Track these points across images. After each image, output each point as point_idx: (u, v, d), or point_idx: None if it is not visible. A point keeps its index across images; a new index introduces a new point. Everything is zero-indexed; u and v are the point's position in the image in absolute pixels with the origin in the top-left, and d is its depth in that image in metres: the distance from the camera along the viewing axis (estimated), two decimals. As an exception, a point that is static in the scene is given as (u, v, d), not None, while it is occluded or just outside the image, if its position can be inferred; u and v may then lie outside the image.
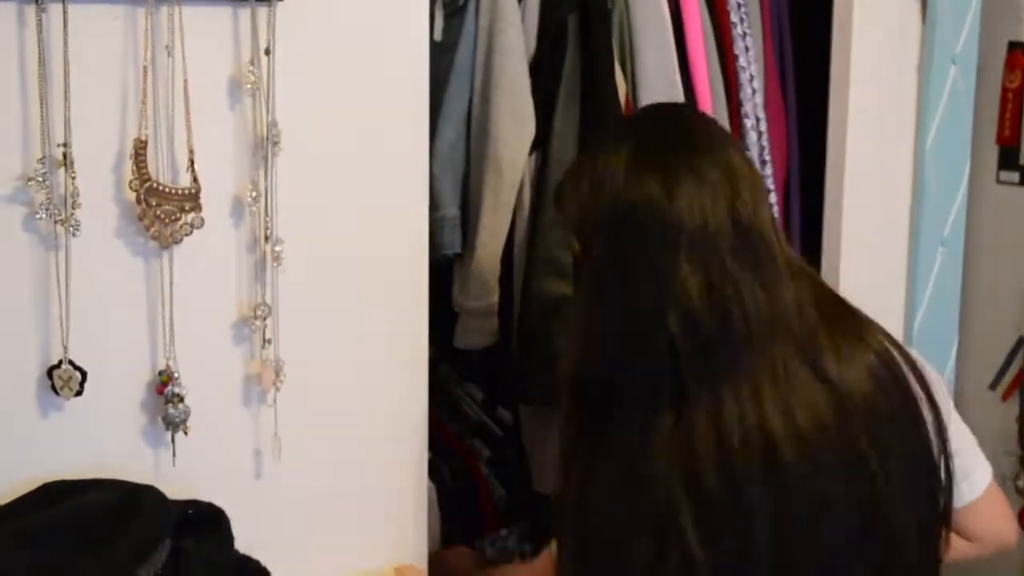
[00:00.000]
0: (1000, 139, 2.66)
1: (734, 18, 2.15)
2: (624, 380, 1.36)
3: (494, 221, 1.95)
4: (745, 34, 2.17)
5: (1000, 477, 2.64)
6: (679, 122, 1.50)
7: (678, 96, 2.03)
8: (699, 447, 1.33)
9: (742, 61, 2.15)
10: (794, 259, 1.45)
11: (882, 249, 2.40)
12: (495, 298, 1.99)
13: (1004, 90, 2.64)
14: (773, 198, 2.20)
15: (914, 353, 1.50)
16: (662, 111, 1.63)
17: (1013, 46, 2.63)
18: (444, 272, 1.99)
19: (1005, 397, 2.69)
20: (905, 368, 1.45)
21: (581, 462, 1.40)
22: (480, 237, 1.95)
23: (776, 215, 2.18)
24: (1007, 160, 2.66)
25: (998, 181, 2.68)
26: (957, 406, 2.67)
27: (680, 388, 1.34)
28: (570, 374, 1.42)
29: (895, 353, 1.45)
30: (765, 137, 2.19)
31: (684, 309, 1.33)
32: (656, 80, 2.02)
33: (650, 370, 1.35)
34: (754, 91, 2.16)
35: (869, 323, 1.47)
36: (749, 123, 2.16)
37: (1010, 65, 2.63)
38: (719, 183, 1.37)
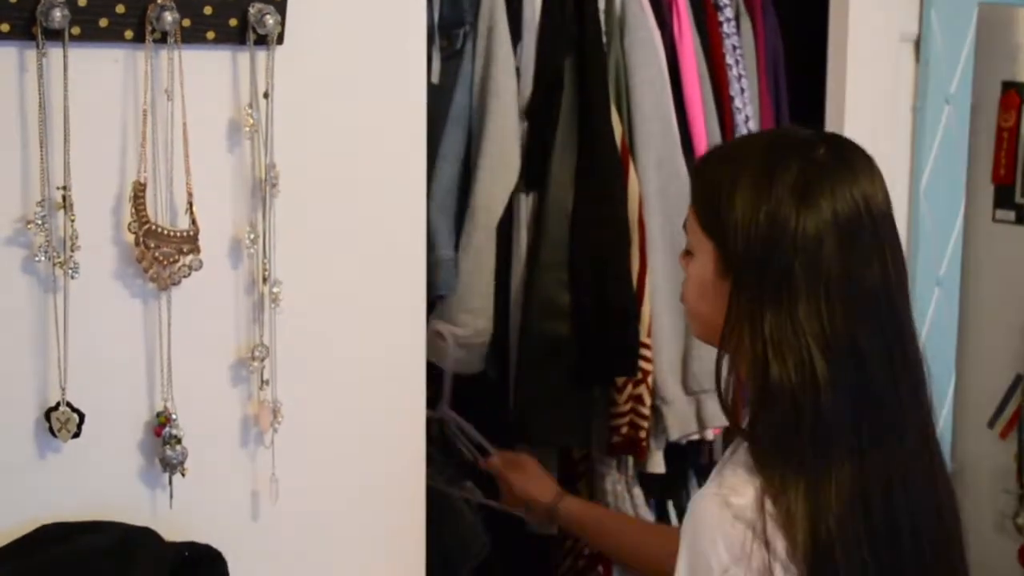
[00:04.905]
0: (995, 178, 2.68)
1: (729, 60, 2.17)
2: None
3: (465, 261, 1.98)
4: (741, 76, 2.19)
5: (999, 514, 2.67)
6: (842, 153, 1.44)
7: (673, 138, 2.05)
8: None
9: (737, 103, 2.17)
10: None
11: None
12: (481, 325, 2.01)
13: (999, 129, 2.66)
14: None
15: None
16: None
17: (1007, 86, 2.65)
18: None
19: (1003, 435, 2.70)
20: None
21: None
22: (461, 276, 1.98)
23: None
24: (1003, 199, 2.69)
25: (994, 220, 2.70)
26: (955, 444, 2.69)
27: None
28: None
29: None
30: (761, 178, 2.20)
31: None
32: (652, 122, 2.03)
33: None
34: (750, 132, 2.17)
35: None
36: (745, 164, 2.17)
37: (1005, 105, 2.65)
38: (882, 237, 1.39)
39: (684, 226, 1.50)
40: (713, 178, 1.45)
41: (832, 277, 1.35)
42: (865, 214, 1.38)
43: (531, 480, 2.03)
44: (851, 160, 1.42)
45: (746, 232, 1.37)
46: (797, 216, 1.36)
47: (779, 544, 1.33)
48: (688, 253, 1.49)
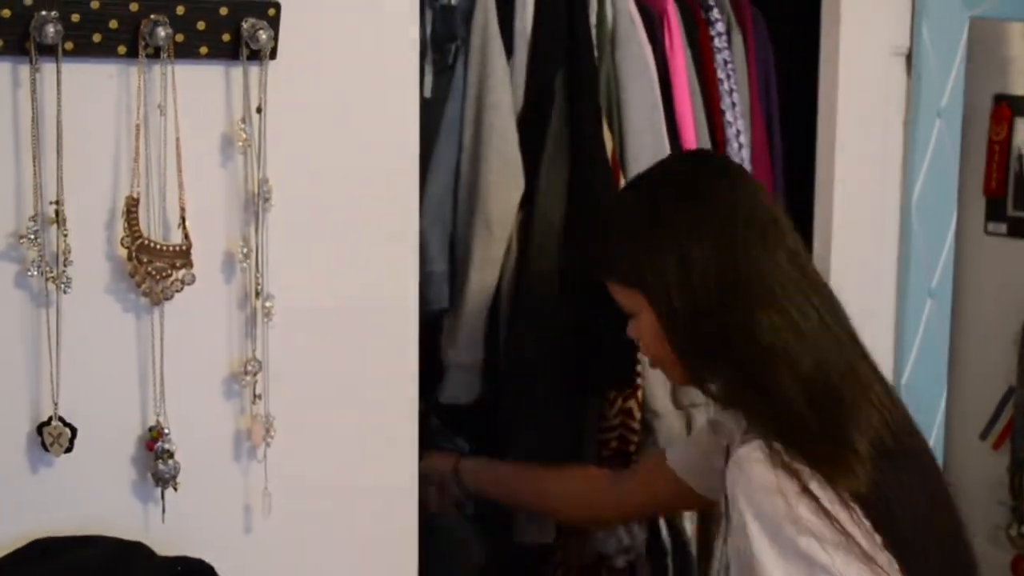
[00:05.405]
0: (987, 191, 2.68)
1: (721, 74, 2.18)
2: None
3: (482, 277, 1.96)
4: (732, 90, 2.19)
5: (992, 527, 2.67)
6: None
7: (665, 153, 2.05)
8: None
9: (728, 116, 2.18)
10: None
11: (870, 301, 2.41)
12: (481, 353, 2.00)
13: (990, 142, 2.66)
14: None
15: None
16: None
17: (999, 99, 2.65)
18: (431, 326, 2.00)
19: (996, 446, 2.69)
20: None
21: None
22: (468, 292, 1.96)
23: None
24: (994, 211, 2.68)
25: (986, 232, 2.70)
26: (947, 456, 2.69)
27: None
28: None
29: None
30: (753, 191, 2.21)
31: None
32: (643, 136, 2.03)
33: None
34: (741, 146, 2.18)
35: None
36: (736, 178, 2.17)
37: (996, 117, 2.65)
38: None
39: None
40: (612, 242, 1.65)
41: (747, 264, 1.55)
42: (764, 215, 1.59)
43: (431, 457, 2.09)
44: (713, 174, 1.66)
45: (656, 261, 1.56)
46: (702, 231, 1.56)
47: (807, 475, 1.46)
48: (630, 318, 1.64)
